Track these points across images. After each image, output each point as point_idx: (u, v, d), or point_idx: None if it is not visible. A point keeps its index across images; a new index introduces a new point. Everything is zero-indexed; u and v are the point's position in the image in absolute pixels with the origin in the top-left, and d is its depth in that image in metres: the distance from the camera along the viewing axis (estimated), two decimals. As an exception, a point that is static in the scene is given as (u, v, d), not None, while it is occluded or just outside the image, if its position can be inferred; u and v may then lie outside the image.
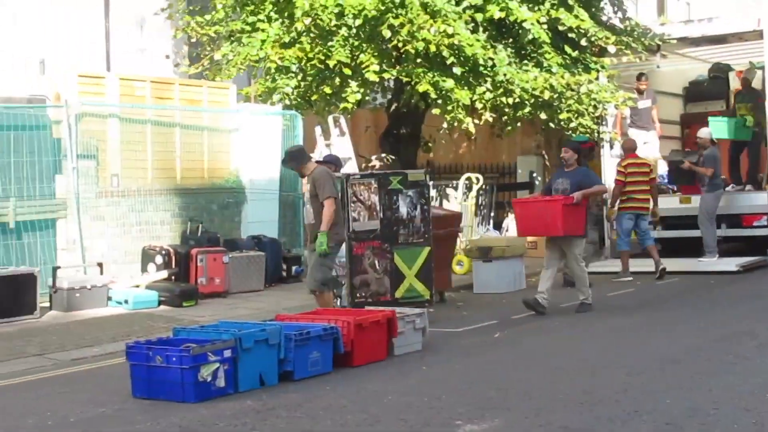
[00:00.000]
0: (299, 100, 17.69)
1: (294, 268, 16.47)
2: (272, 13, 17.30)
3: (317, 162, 12.14)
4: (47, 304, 13.42)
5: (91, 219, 14.52)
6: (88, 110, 14.54)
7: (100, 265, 14.10)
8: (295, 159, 11.55)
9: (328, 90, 17.18)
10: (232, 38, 18.07)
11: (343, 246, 12.01)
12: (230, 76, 17.55)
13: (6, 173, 13.60)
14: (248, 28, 17.43)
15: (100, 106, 14.77)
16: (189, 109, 15.98)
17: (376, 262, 12.38)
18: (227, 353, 8.71)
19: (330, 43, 16.85)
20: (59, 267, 13.71)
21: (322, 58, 16.89)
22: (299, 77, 17.44)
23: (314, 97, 17.70)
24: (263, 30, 16.95)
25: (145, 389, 8.67)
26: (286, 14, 17.17)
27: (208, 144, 16.26)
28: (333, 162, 12.67)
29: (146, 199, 15.24)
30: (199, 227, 15.54)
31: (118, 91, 15.00)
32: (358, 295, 12.26)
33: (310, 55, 16.78)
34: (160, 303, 13.83)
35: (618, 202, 16.88)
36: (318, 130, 17.91)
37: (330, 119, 18.01)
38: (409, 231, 12.52)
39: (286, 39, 16.83)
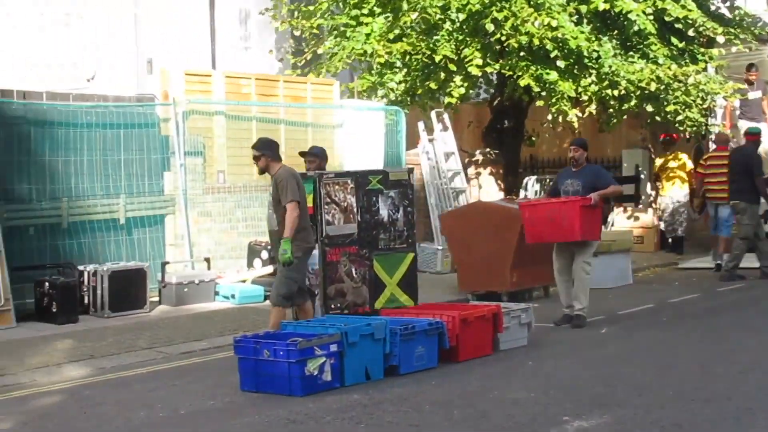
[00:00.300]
0: (404, 95, 17.70)
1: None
2: (375, 8, 17.35)
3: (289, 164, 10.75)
4: (156, 299, 13.67)
5: (198, 215, 14.74)
6: (195, 108, 14.76)
7: (207, 260, 14.32)
8: (266, 147, 10.26)
9: (433, 85, 17.16)
10: (335, 32, 18.18)
11: (316, 253, 10.76)
12: (335, 70, 17.66)
13: (116, 170, 13.89)
14: (352, 22, 17.52)
15: (207, 104, 14.98)
16: (293, 105, 16.11)
17: (353, 269, 11.03)
18: (333, 347, 8.77)
19: (435, 38, 16.83)
20: (168, 262, 13.96)
21: (428, 52, 16.89)
22: (404, 72, 17.46)
23: (419, 92, 17.69)
24: (367, 24, 17.01)
25: (252, 383, 8.77)
26: (389, 9, 17.20)
27: (312, 140, 16.36)
28: (318, 155, 11.64)
29: (252, 194, 15.40)
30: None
31: (224, 89, 15.20)
32: (332, 306, 10.92)
33: (416, 49, 16.79)
34: (265, 298, 13.96)
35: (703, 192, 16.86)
36: (421, 125, 17.93)
37: (433, 114, 18.03)
38: (390, 235, 11.29)
39: (392, 35, 16.86)
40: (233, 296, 13.82)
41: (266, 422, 7.76)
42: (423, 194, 18.01)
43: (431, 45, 16.89)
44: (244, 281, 14.29)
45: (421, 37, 16.99)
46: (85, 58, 18.71)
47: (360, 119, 16.92)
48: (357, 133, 16.81)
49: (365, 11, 17.38)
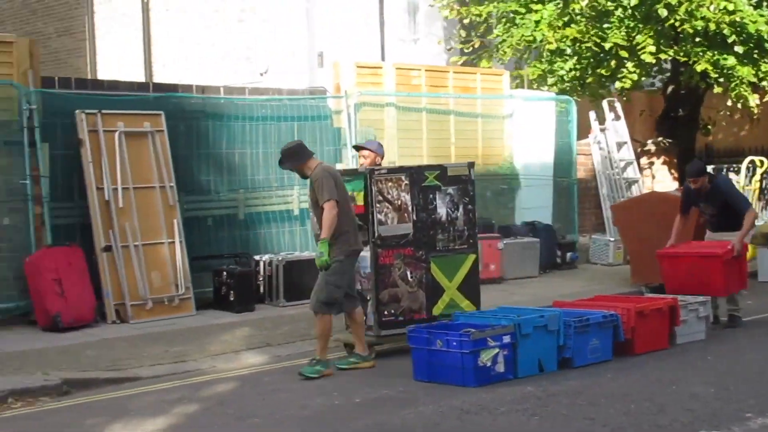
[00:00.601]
0: (573, 83, 17.45)
1: (569, 254, 16.32)
2: (546, -7, 17.21)
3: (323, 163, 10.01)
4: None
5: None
6: (367, 100, 14.91)
7: (378, 250, 14.43)
8: (292, 158, 9.52)
9: (604, 72, 16.87)
10: (504, 19, 18.07)
11: (367, 255, 10.02)
12: (504, 57, 17.55)
13: (290, 162, 14.13)
14: (522, 9, 17.38)
15: (378, 96, 15.11)
16: (463, 96, 16.09)
17: (408, 273, 10.16)
18: (506, 339, 8.73)
19: (605, 25, 16.55)
20: (339, 252, 14.14)
21: (597, 40, 16.61)
22: (574, 60, 17.22)
23: (589, 80, 17.42)
24: (536, 11, 16.86)
25: (425, 372, 8.83)
26: (561, -6, 17.03)
27: (481, 130, 16.33)
28: (373, 149, 11.02)
29: (422, 185, 15.47)
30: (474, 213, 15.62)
31: (394, 80, 15.30)
32: (386, 312, 10.07)
33: (585, 37, 16.54)
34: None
35: None
36: (592, 115, 17.66)
37: (604, 103, 17.73)
38: (449, 235, 10.42)
39: (560, 22, 16.66)
40: (404, 287, 13.89)
41: (440, 412, 7.79)
42: (594, 184, 17.75)
43: (601, 32, 16.60)
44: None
45: (591, 23, 16.71)
46: (258, 53, 19.14)
47: (530, 109, 16.78)
48: (527, 124, 16.69)
49: (535, -2, 17.24)
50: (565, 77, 17.17)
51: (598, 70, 17.00)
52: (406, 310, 10.15)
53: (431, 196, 10.35)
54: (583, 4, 16.31)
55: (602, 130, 17.69)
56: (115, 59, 21.57)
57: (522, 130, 16.69)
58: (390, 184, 10.11)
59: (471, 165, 10.76)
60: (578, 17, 16.68)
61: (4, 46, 11.87)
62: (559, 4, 16.88)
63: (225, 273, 12.76)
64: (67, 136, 12.05)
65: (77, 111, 11.98)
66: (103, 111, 12.12)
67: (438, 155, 15.73)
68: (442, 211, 10.40)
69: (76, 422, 7.90)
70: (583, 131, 17.95)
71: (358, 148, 11.40)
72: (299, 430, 7.55)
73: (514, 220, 16.48)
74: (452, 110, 15.96)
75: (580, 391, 8.28)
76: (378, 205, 10.03)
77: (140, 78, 20.03)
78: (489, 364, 8.62)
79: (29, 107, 11.74)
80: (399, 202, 10.14)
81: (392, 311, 10.09)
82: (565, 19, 16.72)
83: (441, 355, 8.69)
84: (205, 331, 11.39)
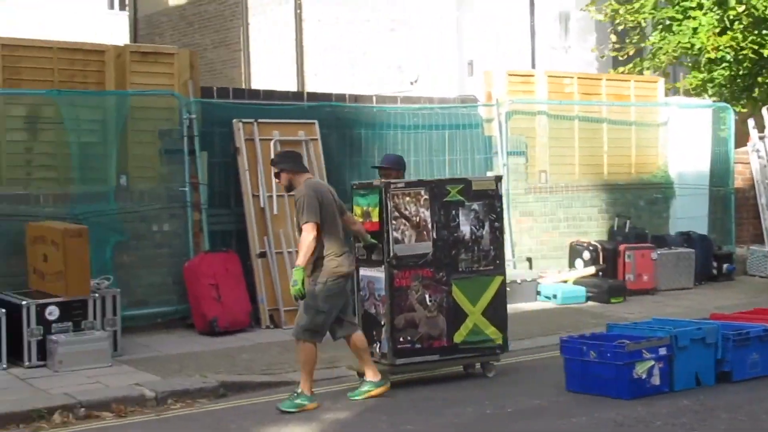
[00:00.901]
0: (733, 91, 17.02)
1: (725, 266, 15.87)
2: (704, 1, 16.80)
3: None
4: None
5: (519, 215, 14.81)
6: (518, 108, 14.84)
7: (529, 260, 14.37)
8: (288, 161, 8.80)
9: (764, 80, 16.42)
10: (660, 26, 17.74)
11: (381, 277, 9.17)
12: (661, 65, 17.21)
13: (442, 171, 14.11)
14: (679, 16, 17.03)
15: (530, 104, 15.02)
16: (616, 104, 15.85)
17: (427, 296, 9.23)
18: (662, 351, 8.57)
19: (764, 32, 16.10)
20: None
21: (755, 47, 16.17)
22: (733, 68, 16.79)
23: (744, 88, 16.95)
24: (695, 18, 16.50)
25: (578, 383, 8.72)
26: (716, 1, 16.62)
27: (635, 138, 16.07)
28: (391, 166, 10.05)
29: (573, 194, 15.33)
30: (627, 223, 15.42)
31: (546, 88, 15.19)
32: (401, 339, 9.15)
33: (743, 44, 16.12)
34: (587, 299, 13.85)
35: None
36: (751, 122, 17.17)
37: (764, 111, 17.21)
38: (473, 256, 9.44)
39: (717, 29, 16.28)
40: (555, 296, 13.78)
41: (594, 424, 7.69)
42: (753, 194, 17.24)
43: (760, 38, 16.15)
44: (565, 281, 14.21)
45: (748, 30, 16.28)
46: (408, 62, 19.25)
47: (685, 117, 16.42)
48: (682, 132, 16.33)
49: (693, 4, 16.85)
50: (725, 85, 16.74)
51: (760, 77, 16.53)
52: (424, 337, 9.23)
53: (454, 212, 9.39)
54: (740, 10, 15.90)
55: (761, 138, 17.16)
56: (268, 69, 22.02)
57: (677, 138, 16.34)
58: (408, 199, 9.21)
59: (498, 179, 9.83)
60: (735, 24, 16.27)
61: (166, 58, 12.27)
62: (716, 10, 16.50)
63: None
64: (224, 145, 12.37)
65: (234, 120, 12.29)
66: (259, 120, 12.39)
67: (590, 163, 15.60)
68: (465, 228, 9.43)
69: (232, 423, 8.09)
70: (742, 140, 17.47)
71: (378, 168, 10.31)
72: (452, 439, 7.55)
73: (668, 230, 16.15)
74: (605, 118, 15.75)
75: (740, 405, 8.06)
76: (394, 222, 9.14)
77: (292, 87, 20.39)
78: (644, 376, 8.46)
79: (189, 117, 12.11)
80: (417, 219, 9.23)
81: (409, 338, 9.18)
82: (722, 26, 16.34)
83: (595, 366, 8.57)
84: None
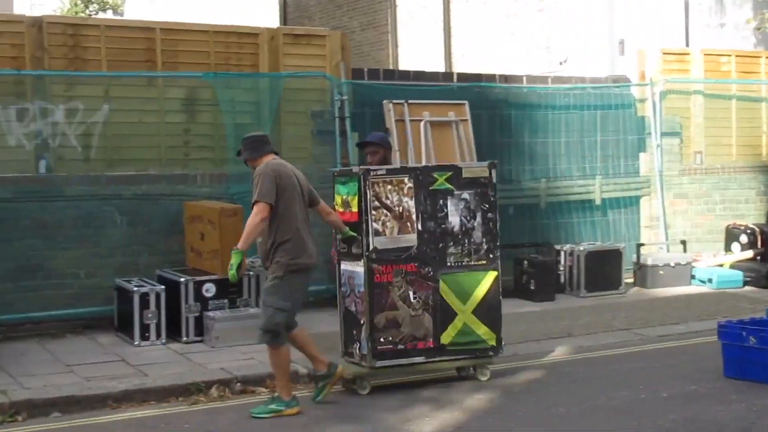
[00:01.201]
0: None
1: None
2: None
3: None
4: (631, 280, 13.61)
5: (673, 197, 14.49)
6: (672, 87, 14.50)
7: (683, 242, 14.04)
8: (247, 148, 8.17)
9: None
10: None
11: (360, 272, 8.46)
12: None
13: (593, 151, 13.98)
14: None
15: (685, 83, 14.66)
16: (776, 82, 15.35)
17: (411, 293, 8.48)
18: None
19: None
20: (643, 244, 13.85)
21: None
22: None
23: None
24: None
25: (736, 369, 8.50)
26: None
27: (795, 118, 15.54)
28: (378, 142, 9.55)
29: (730, 176, 14.91)
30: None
31: (702, 67, 14.79)
32: (382, 339, 8.42)
33: None
34: (745, 283, 13.47)
35: None
36: None
37: None
38: (463, 249, 8.67)
39: None
40: (710, 280, 13.45)
41: (754, 411, 7.49)
42: None
43: None
44: (721, 265, 13.85)
45: None
46: (557, 42, 19.00)
47: None
48: None
49: None
50: None
51: None
52: (408, 337, 8.50)
53: (441, 201, 8.62)
54: None
55: None
56: (415, 51, 22.04)
57: (840, 117, 15.70)
58: (390, 187, 8.45)
59: (492, 165, 8.95)
60: None
61: (318, 40, 12.39)
62: None
63: (526, 262, 12.80)
64: (375, 126, 12.40)
65: (385, 101, 12.31)
66: (410, 101, 12.39)
67: (748, 144, 15.16)
68: (454, 219, 8.65)
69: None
70: None
71: (361, 145, 9.89)
72: (607, 422, 7.44)
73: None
74: (765, 98, 15.25)
75: None
76: (374, 213, 8.39)
77: (439, 69, 20.36)
78: (807, 363, 8.19)
79: (341, 98, 12.21)
80: (400, 209, 8.47)
81: (390, 338, 8.45)
82: None
83: (755, 352, 8.33)
84: (507, 319, 11.30)
